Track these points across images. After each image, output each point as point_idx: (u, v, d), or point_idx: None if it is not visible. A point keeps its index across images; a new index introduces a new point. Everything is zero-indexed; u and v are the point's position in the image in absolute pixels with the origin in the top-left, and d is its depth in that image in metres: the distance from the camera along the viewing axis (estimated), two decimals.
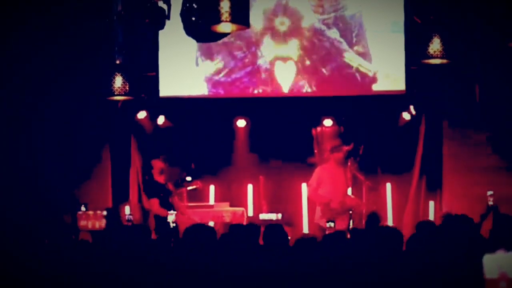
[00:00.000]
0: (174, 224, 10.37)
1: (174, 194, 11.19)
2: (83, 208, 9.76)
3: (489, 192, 9.77)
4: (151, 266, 5.53)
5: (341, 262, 5.47)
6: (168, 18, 8.99)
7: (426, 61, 8.99)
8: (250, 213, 11.96)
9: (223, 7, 7.11)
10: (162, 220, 10.39)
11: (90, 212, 9.92)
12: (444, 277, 4.99)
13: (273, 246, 6.42)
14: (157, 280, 5.39)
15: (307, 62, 12.12)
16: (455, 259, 5.12)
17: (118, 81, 9.81)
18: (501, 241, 5.73)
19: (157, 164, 11.08)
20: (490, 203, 9.78)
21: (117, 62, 10.05)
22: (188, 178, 11.97)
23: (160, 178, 11.02)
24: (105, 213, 9.87)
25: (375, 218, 9.01)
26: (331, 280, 5.32)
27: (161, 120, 12.29)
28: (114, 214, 10.31)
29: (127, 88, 9.83)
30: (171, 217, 10.47)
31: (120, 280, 5.45)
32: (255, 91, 12.18)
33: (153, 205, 10.85)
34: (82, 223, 9.85)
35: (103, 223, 9.82)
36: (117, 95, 9.88)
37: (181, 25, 8.25)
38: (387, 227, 8.75)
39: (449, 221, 6.02)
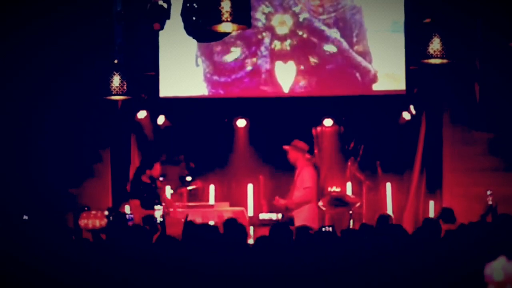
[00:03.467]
0: (162, 219, 10.41)
1: (162, 193, 11.18)
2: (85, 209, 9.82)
3: (489, 192, 9.79)
4: (152, 266, 5.53)
5: (338, 262, 5.47)
6: (168, 17, 9.00)
7: (426, 60, 8.99)
8: (250, 213, 11.95)
9: (224, 7, 7.11)
10: (149, 219, 10.39)
11: (93, 212, 9.94)
12: (444, 279, 4.99)
13: (276, 245, 6.42)
14: (158, 280, 5.39)
15: (307, 62, 12.11)
16: (456, 261, 5.12)
17: (116, 81, 9.82)
18: (500, 241, 5.72)
19: (156, 170, 11.09)
20: (490, 202, 9.80)
21: (115, 61, 10.06)
22: (188, 178, 11.97)
23: (147, 180, 11.01)
24: (106, 212, 9.88)
25: (385, 219, 8.91)
26: (330, 280, 5.32)
27: (161, 120, 12.29)
28: (116, 214, 10.31)
29: (125, 88, 9.84)
30: (158, 212, 10.51)
31: (120, 280, 5.44)
32: (255, 91, 12.18)
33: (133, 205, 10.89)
34: (83, 222, 9.86)
35: (104, 222, 9.82)
36: (115, 94, 9.90)
37: (181, 25, 8.25)
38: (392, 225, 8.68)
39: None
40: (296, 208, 11.33)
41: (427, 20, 8.93)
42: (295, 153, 11.58)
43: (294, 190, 11.56)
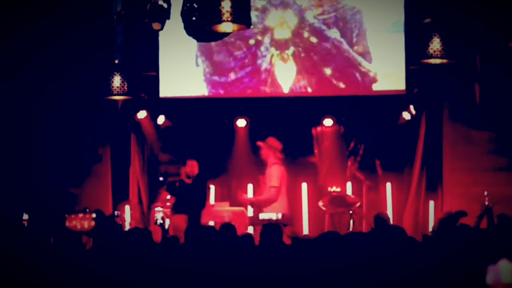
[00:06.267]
0: (162, 221, 10.43)
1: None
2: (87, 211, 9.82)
3: (485, 193, 9.80)
4: (152, 267, 5.53)
5: (337, 263, 5.47)
6: (168, 17, 9.00)
7: (426, 60, 8.99)
8: (250, 213, 11.95)
9: (224, 7, 7.11)
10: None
11: (80, 215, 9.94)
12: (444, 280, 4.99)
13: (270, 246, 6.42)
14: (159, 280, 5.40)
15: (307, 62, 12.11)
16: (456, 261, 5.12)
17: (117, 81, 9.84)
18: (499, 242, 5.72)
19: (192, 167, 11.20)
20: (486, 203, 9.82)
21: (116, 62, 10.08)
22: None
23: (186, 179, 11.16)
24: (94, 215, 9.89)
25: (382, 220, 8.90)
26: (330, 280, 5.32)
27: (161, 120, 12.29)
28: (104, 215, 10.30)
29: (126, 88, 9.86)
30: (159, 214, 10.54)
31: (120, 280, 5.45)
32: (255, 91, 12.19)
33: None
34: (72, 223, 9.87)
35: (92, 223, 9.82)
36: (116, 94, 9.92)
37: (181, 25, 8.26)
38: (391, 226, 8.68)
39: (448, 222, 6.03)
40: (263, 206, 11.44)
41: (427, 20, 8.92)
42: (267, 150, 11.72)
43: (263, 187, 11.68)
